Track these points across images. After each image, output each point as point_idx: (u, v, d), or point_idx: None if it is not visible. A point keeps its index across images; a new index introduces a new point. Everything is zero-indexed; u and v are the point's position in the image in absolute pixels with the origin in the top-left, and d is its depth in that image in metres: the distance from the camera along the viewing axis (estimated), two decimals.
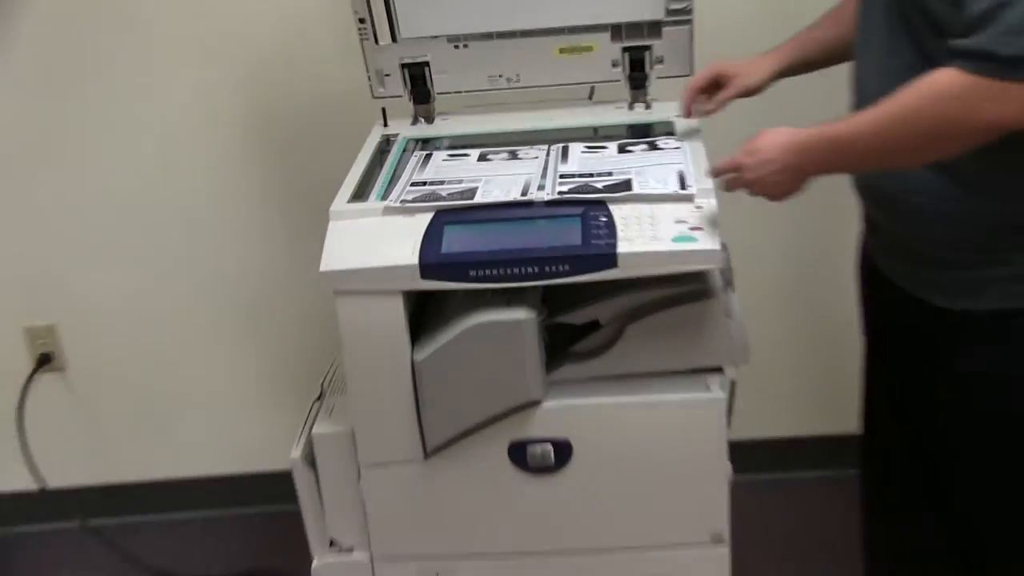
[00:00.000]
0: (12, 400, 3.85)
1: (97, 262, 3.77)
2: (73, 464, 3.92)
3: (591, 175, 2.53)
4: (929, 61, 2.04)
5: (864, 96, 2.31)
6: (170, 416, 3.92)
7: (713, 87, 2.64)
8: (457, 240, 2.36)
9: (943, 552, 2.57)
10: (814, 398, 3.40)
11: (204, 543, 3.77)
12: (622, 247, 2.28)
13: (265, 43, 3.56)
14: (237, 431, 3.92)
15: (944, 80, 1.93)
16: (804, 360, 3.51)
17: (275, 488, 3.32)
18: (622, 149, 2.71)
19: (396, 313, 2.38)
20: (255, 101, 3.59)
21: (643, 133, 2.81)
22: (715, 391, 2.43)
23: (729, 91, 2.61)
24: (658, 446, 2.48)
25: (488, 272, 2.33)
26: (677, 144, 2.59)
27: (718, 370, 2.47)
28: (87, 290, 3.79)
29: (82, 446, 3.94)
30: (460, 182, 2.54)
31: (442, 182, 2.58)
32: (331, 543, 2.68)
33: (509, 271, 2.33)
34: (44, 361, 3.84)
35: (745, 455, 2.84)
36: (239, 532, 3.80)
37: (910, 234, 2.33)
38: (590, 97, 3.02)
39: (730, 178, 2.27)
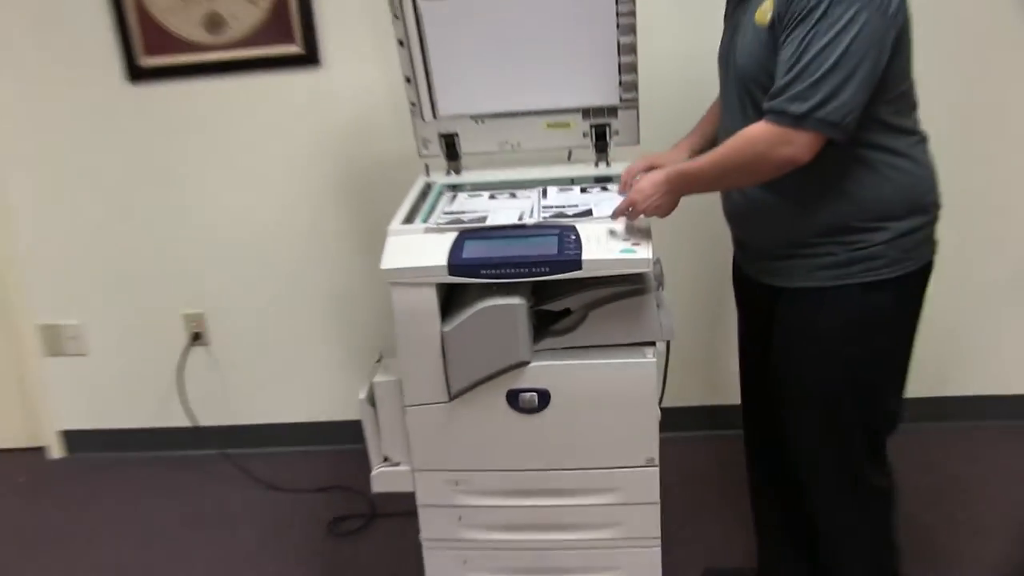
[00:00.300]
0: (174, 364, 3.85)
1: (233, 270, 3.77)
2: (214, 409, 3.91)
3: (564, 207, 2.55)
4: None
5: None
6: (279, 377, 3.89)
7: (647, 170, 2.54)
8: (473, 250, 2.38)
9: (787, 476, 2.54)
10: (721, 370, 3.30)
11: (302, 468, 3.75)
12: (586, 255, 2.29)
13: (350, 121, 3.54)
14: (324, 388, 3.89)
15: (756, 129, 1.99)
16: (716, 340, 3.43)
17: (348, 431, 3.35)
18: (584, 190, 2.74)
19: (431, 299, 2.39)
20: (343, 160, 3.57)
21: (604, 181, 2.82)
22: (648, 358, 2.41)
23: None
24: (609, 395, 2.46)
25: (493, 271, 2.34)
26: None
27: (651, 344, 2.45)
28: (224, 289, 3.79)
29: (220, 397, 3.92)
30: (476, 212, 2.56)
31: (464, 212, 2.60)
32: (384, 459, 2.68)
33: (508, 271, 2.34)
34: (196, 338, 3.83)
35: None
36: (325, 461, 3.77)
37: (756, 240, 2.35)
38: (568, 158, 3.01)
39: (629, 212, 2.28)
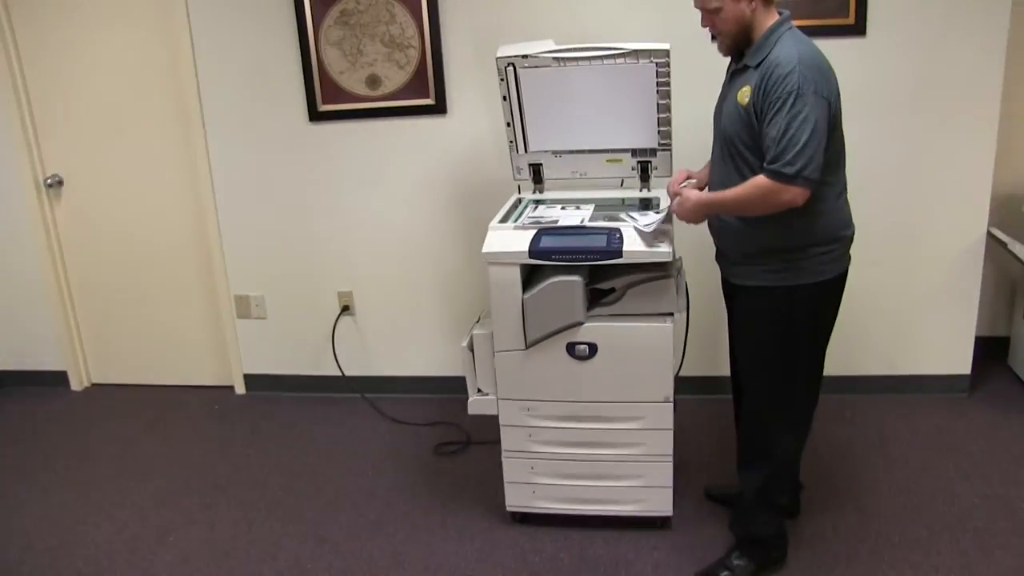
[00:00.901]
0: (329, 328, 4.00)
1: (374, 260, 3.93)
2: (356, 363, 4.06)
3: (616, 217, 2.77)
4: (741, 170, 2.33)
5: (712, 190, 2.48)
6: (404, 340, 4.00)
7: (684, 180, 2.71)
8: (547, 242, 2.59)
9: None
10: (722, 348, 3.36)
11: (418, 408, 3.87)
12: (626, 247, 2.52)
13: (466, 152, 3.71)
14: (435, 349, 4.01)
15: (761, 180, 2.20)
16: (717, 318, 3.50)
17: (451, 384, 3.62)
18: (630, 207, 2.94)
19: (515, 275, 2.60)
20: (459, 180, 3.73)
21: (646, 202, 3.00)
22: (668, 323, 2.60)
23: (696, 182, 2.67)
24: (639, 349, 2.64)
25: (560, 257, 2.56)
26: (660, 209, 2.74)
27: (670, 314, 2.63)
28: (368, 273, 3.94)
29: (361, 354, 4.08)
30: (551, 217, 2.79)
31: (542, 217, 2.81)
32: (478, 390, 2.85)
33: (570, 257, 2.55)
34: (345, 309, 3.97)
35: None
36: (435, 404, 3.89)
37: (725, 249, 2.52)
38: (621, 184, 3.13)
39: (673, 210, 2.48)
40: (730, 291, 2.57)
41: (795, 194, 2.17)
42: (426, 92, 3.61)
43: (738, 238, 2.40)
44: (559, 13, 3.42)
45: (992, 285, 3.90)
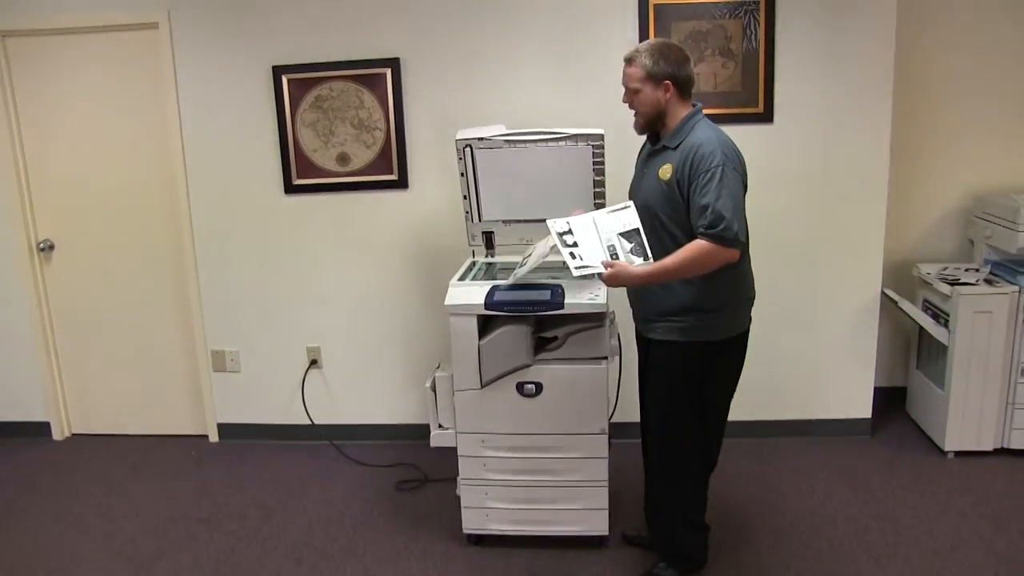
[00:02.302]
0: (298, 380, 4.26)
1: (340, 317, 4.19)
2: (324, 412, 4.30)
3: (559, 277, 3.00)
4: (662, 238, 2.54)
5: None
6: (368, 391, 4.25)
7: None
8: (499, 296, 2.88)
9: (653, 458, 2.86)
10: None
11: (380, 451, 4.12)
12: (567, 300, 2.83)
13: (425, 222, 4.00)
14: (397, 398, 4.24)
15: (701, 244, 2.40)
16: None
17: (411, 431, 4.00)
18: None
19: (473, 324, 2.90)
20: (420, 246, 3.99)
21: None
22: (603, 365, 2.90)
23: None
24: (579, 387, 2.92)
25: (511, 308, 2.86)
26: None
27: (605, 358, 2.91)
28: (334, 330, 4.20)
29: (328, 404, 4.31)
30: (502, 277, 3.07)
31: (495, 277, 3.11)
32: (439, 425, 3.14)
33: (520, 308, 2.85)
34: (313, 363, 4.23)
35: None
36: (395, 448, 4.15)
37: (642, 309, 2.75)
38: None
39: (604, 279, 2.57)
40: (644, 345, 2.78)
41: (732, 255, 2.40)
42: (390, 169, 3.96)
43: (659, 298, 2.60)
44: (508, 102, 3.81)
45: (889, 340, 4.32)
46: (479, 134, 3.18)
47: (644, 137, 2.75)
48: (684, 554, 2.89)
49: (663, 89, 2.52)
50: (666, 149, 2.54)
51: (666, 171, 2.50)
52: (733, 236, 2.36)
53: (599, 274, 2.53)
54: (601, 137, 3.09)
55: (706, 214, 2.37)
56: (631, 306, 2.81)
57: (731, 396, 2.75)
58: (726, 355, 2.66)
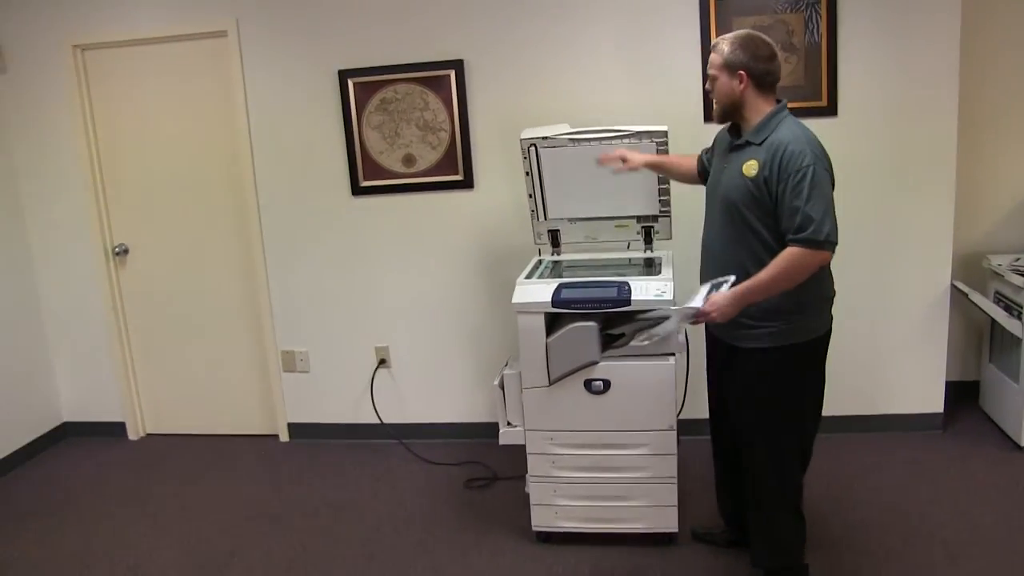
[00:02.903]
0: (367, 379, 4.32)
1: (409, 317, 4.25)
2: (393, 411, 4.35)
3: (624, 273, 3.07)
4: (744, 235, 2.46)
5: (709, 252, 2.65)
6: (435, 391, 4.28)
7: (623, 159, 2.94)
8: (566, 293, 2.92)
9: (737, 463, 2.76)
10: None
11: (449, 450, 4.17)
12: (634, 296, 2.85)
13: (491, 221, 4.06)
14: (465, 397, 4.27)
15: (795, 251, 2.33)
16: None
17: (479, 429, 4.03)
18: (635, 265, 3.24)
19: (540, 322, 2.93)
20: (485, 245, 4.07)
21: (648, 261, 3.32)
22: (671, 361, 2.89)
23: (630, 164, 2.92)
24: (646, 384, 2.91)
25: (578, 306, 2.89)
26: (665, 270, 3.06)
27: (672, 354, 2.90)
28: (403, 329, 4.27)
29: (397, 403, 4.35)
30: (568, 275, 3.12)
31: (562, 274, 3.14)
32: (508, 423, 3.15)
33: (587, 307, 2.88)
34: (382, 362, 4.28)
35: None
36: (463, 447, 4.19)
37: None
38: (628, 247, 3.47)
39: (703, 318, 2.46)
40: (725, 350, 2.68)
41: (825, 257, 2.35)
42: (455, 169, 4.01)
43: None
44: (571, 100, 3.84)
45: (961, 334, 4.26)
46: (543, 133, 3.21)
47: (718, 128, 2.73)
48: (785, 548, 2.72)
49: (738, 79, 2.46)
50: (750, 144, 2.47)
51: (751, 167, 2.43)
52: (824, 238, 2.31)
53: (697, 313, 2.47)
54: (665, 134, 3.10)
55: (796, 217, 2.32)
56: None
57: (823, 391, 2.68)
58: (815, 355, 2.60)
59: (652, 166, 3.00)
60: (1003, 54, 3.95)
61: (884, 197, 3.78)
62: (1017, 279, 3.65)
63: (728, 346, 2.64)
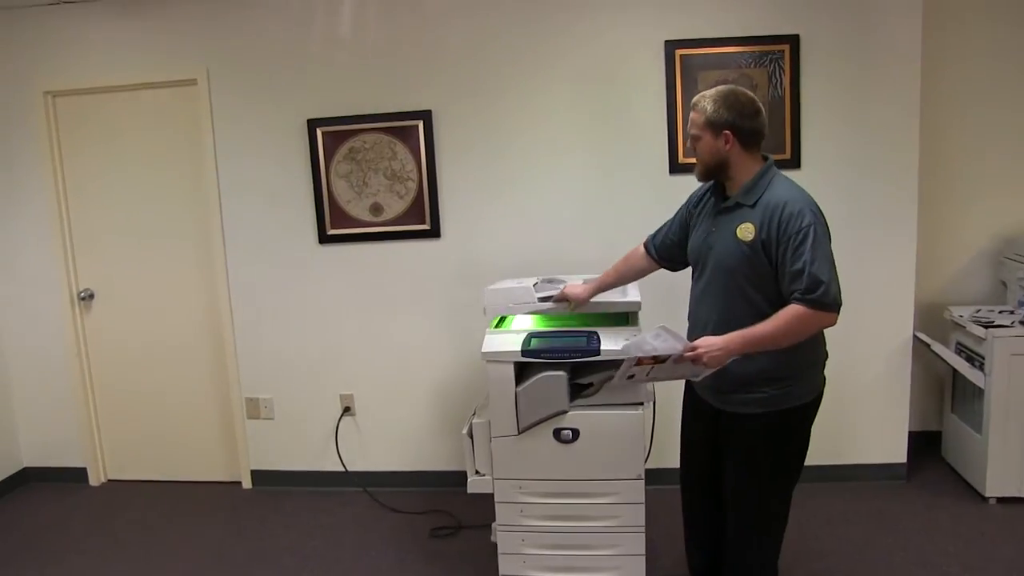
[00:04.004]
0: (332, 427, 4.26)
1: (373, 364, 4.20)
2: (357, 459, 4.30)
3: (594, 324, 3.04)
4: (740, 303, 2.37)
5: (697, 318, 2.54)
6: (401, 438, 4.24)
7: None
8: (536, 343, 2.91)
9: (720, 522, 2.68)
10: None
11: (414, 499, 4.11)
12: (603, 346, 2.84)
13: (457, 270, 4.03)
14: (430, 446, 4.23)
15: (799, 310, 2.24)
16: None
17: (444, 477, 3.99)
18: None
19: (510, 371, 2.91)
20: (450, 294, 4.02)
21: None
22: (639, 410, 2.87)
23: (576, 301, 2.93)
24: (615, 433, 2.89)
25: (548, 355, 2.87)
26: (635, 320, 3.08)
27: (641, 403, 2.88)
28: (367, 377, 4.22)
29: (361, 451, 4.30)
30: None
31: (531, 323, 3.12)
32: (476, 472, 3.10)
33: (556, 355, 2.87)
34: (346, 410, 4.24)
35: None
36: (428, 495, 4.14)
37: (719, 379, 2.45)
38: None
39: (691, 357, 2.33)
40: (709, 415, 2.60)
41: (831, 319, 2.26)
42: (423, 219, 4.01)
43: (736, 366, 2.37)
44: (537, 151, 3.88)
45: (923, 385, 4.30)
46: (510, 287, 3.17)
47: (686, 180, 2.71)
48: None
49: (723, 139, 2.36)
50: (741, 207, 2.38)
51: (746, 231, 2.33)
52: (831, 300, 2.23)
53: (681, 356, 2.35)
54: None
55: (802, 278, 2.23)
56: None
57: (807, 451, 2.59)
58: (806, 419, 2.52)
59: (598, 291, 2.96)
60: (963, 107, 4.03)
61: (847, 249, 3.60)
62: (979, 330, 3.66)
63: (715, 409, 2.58)
